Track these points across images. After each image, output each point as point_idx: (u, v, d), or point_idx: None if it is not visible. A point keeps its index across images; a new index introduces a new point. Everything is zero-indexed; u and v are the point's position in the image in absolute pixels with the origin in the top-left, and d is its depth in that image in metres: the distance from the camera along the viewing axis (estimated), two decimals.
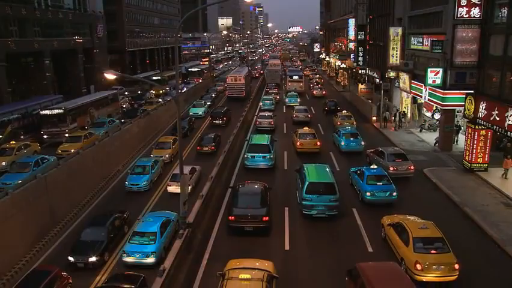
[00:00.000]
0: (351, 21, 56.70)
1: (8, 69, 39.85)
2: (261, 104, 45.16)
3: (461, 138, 27.80)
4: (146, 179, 22.74)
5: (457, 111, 28.71)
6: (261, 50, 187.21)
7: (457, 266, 13.53)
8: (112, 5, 67.00)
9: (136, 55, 76.57)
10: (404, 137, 32.21)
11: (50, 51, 46.79)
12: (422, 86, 30.26)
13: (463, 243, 16.07)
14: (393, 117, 36.01)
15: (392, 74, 37.83)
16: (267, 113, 36.96)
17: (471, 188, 21.76)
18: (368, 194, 19.81)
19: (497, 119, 20.65)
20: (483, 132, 22.90)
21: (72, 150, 25.68)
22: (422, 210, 18.48)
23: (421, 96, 31.43)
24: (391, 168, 22.81)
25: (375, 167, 21.93)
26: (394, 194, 19.68)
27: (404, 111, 36.40)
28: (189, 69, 75.68)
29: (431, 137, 30.98)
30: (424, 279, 13.52)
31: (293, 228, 18.13)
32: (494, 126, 21.05)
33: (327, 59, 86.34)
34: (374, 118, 37.81)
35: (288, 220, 18.85)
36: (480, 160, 23.42)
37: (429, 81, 27.40)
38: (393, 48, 36.30)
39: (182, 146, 18.28)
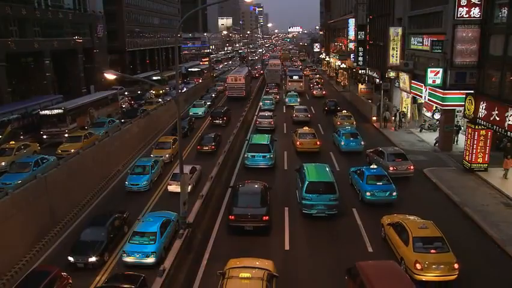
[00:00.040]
0: (351, 21, 56.67)
1: (8, 69, 39.86)
2: (261, 103, 45.16)
3: (461, 138, 27.80)
4: (146, 179, 22.75)
5: (457, 111, 28.71)
6: (261, 50, 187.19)
7: (456, 266, 13.55)
8: (112, 5, 67.02)
9: (136, 55, 76.59)
10: (404, 137, 32.21)
11: (50, 51, 46.80)
12: (422, 86, 30.26)
13: (463, 243, 16.07)
14: (393, 117, 36.01)
15: (392, 74, 37.82)
16: (267, 113, 36.95)
17: (471, 188, 21.76)
18: (368, 193, 19.82)
19: (497, 119, 20.65)
20: (483, 132, 22.91)
21: (72, 150, 25.67)
22: (422, 210, 18.47)
23: (421, 96, 31.43)
24: (391, 168, 22.82)
25: (375, 166, 21.93)
26: (394, 193, 19.69)
27: (404, 111, 36.38)
28: (189, 69, 75.61)
29: (431, 137, 30.98)
30: (424, 278, 13.54)
31: (293, 227, 18.14)
32: (494, 126, 21.05)
33: (327, 59, 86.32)
34: (374, 118, 37.81)
35: (288, 220, 18.87)
36: (480, 160, 23.42)
37: (429, 81, 27.41)
38: (393, 48, 36.30)
39: (182, 146, 18.29)
